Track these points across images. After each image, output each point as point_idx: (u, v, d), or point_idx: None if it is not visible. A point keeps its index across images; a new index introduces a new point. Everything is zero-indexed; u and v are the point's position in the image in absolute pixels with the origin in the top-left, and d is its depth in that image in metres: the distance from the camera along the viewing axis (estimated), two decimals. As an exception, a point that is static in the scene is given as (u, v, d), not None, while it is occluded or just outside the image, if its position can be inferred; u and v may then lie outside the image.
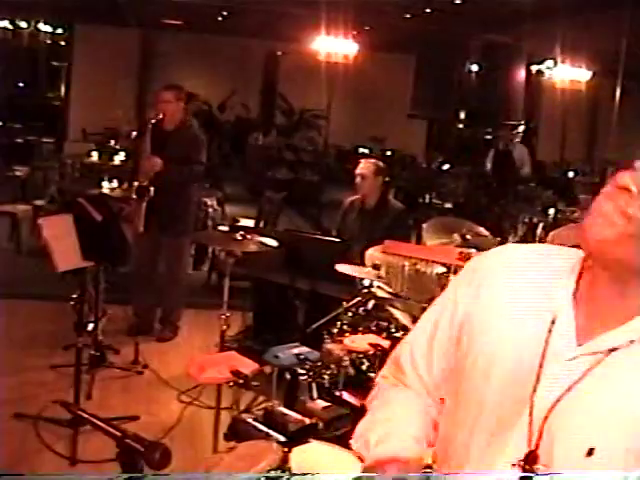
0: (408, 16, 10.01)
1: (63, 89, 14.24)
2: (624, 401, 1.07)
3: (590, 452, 1.06)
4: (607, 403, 1.07)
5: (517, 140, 9.27)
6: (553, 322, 1.13)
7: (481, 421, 1.18)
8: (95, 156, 9.14)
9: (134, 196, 4.86)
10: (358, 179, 4.98)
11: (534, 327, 1.15)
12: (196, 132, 5.45)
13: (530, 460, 1.11)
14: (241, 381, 3.07)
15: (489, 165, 9.09)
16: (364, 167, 4.98)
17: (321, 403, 2.97)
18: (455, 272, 3.56)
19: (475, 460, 1.19)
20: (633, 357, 1.07)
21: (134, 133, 5.87)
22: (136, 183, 4.88)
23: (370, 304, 3.75)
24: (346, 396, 3.11)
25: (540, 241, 3.56)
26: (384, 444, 1.24)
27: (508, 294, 1.20)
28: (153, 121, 4.95)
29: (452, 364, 1.27)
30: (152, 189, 4.83)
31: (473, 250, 3.63)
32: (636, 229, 1.03)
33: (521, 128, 9.68)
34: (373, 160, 5.17)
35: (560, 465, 1.09)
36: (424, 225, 4.61)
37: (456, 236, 4.06)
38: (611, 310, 1.10)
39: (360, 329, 3.57)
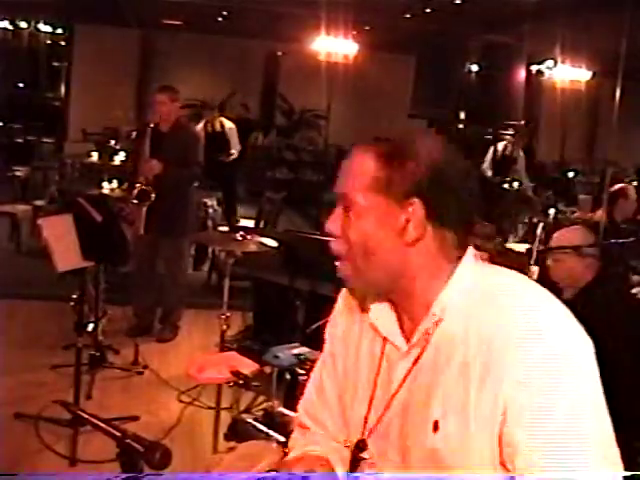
0: (408, 16, 10.00)
1: (63, 89, 14.23)
2: (447, 377, 1.15)
3: (436, 426, 1.15)
4: (435, 383, 1.16)
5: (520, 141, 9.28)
6: (385, 339, 1.26)
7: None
8: (95, 156, 9.14)
9: (135, 201, 4.87)
10: None
11: (374, 344, 1.29)
12: (192, 132, 5.47)
13: (360, 447, 1.27)
14: (241, 381, 3.07)
15: (487, 165, 9.08)
16: None
17: (321, 403, 2.96)
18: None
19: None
20: (446, 331, 1.17)
21: (134, 133, 5.87)
22: (139, 185, 4.88)
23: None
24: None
25: (540, 241, 3.56)
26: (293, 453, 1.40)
27: (353, 322, 1.37)
28: (152, 125, 4.95)
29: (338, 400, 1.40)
30: (153, 195, 4.84)
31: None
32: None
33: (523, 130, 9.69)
34: None
35: (416, 446, 1.18)
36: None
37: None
38: (420, 304, 1.21)
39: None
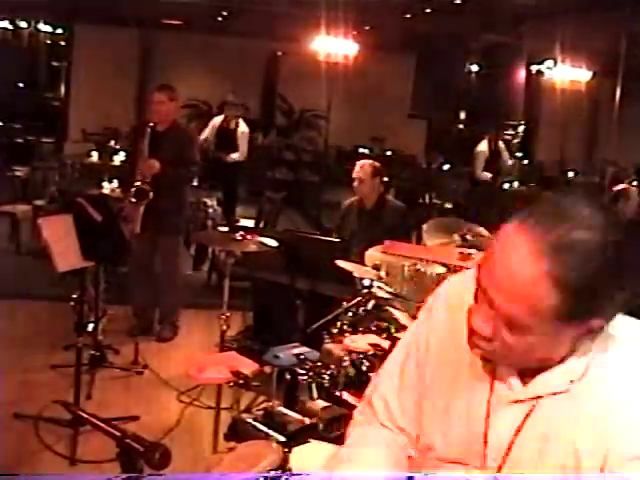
0: (408, 16, 10.00)
1: (63, 89, 14.22)
2: (560, 440, 1.10)
3: None
4: (545, 443, 1.11)
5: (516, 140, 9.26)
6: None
7: (436, 453, 1.23)
8: (95, 156, 9.14)
9: (133, 199, 4.87)
10: (356, 182, 4.98)
11: (480, 366, 1.19)
12: (188, 131, 5.48)
13: None
14: (241, 381, 3.07)
15: (480, 168, 8.97)
16: (360, 170, 4.97)
17: (321, 403, 2.97)
18: (455, 272, 3.56)
19: None
20: (573, 399, 1.11)
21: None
22: (138, 183, 4.88)
23: (370, 304, 3.75)
24: (346, 396, 3.11)
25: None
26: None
27: (454, 329, 1.24)
28: (151, 124, 4.95)
29: (418, 397, 1.30)
30: (151, 194, 4.84)
31: (473, 250, 3.63)
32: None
33: (521, 128, 9.68)
34: (369, 161, 5.15)
35: None
36: (424, 225, 4.61)
37: (456, 236, 4.06)
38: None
39: (360, 329, 3.57)
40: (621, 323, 1.13)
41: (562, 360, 1.11)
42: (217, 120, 8.43)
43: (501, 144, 9.12)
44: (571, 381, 1.10)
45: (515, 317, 1.04)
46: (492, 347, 1.10)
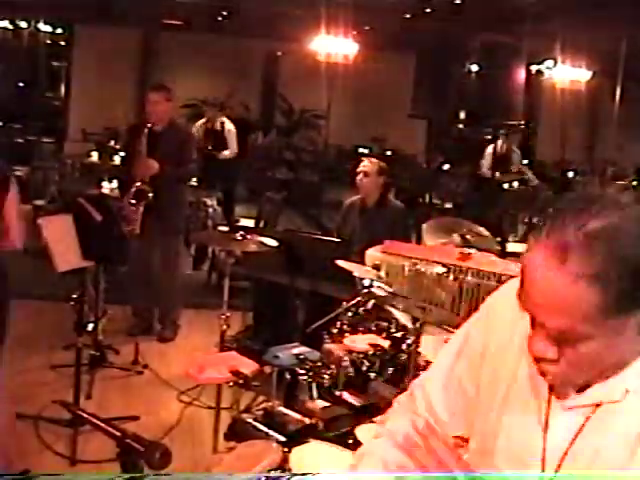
0: (408, 16, 10.00)
1: (63, 89, 14.22)
2: (613, 452, 1.06)
3: None
4: (597, 456, 1.08)
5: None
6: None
7: (494, 457, 1.20)
8: (95, 156, 9.15)
9: (132, 200, 4.87)
10: (360, 177, 4.97)
11: (537, 378, 1.15)
12: (186, 131, 5.48)
13: None
14: (241, 381, 3.07)
15: (486, 166, 9.09)
16: (367, 165, 4.98)
17: (321, 403, 2.97)
18: (455, 272, 3.56)
19: None
20: (628, 407, 1.07)
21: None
22: (138, 183, 4.88)
23: (370, 304, 3.75)
24: (346, 396, 3.11)
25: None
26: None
27: (512, 339, 1.21)
28: (149, 125, 4.95)
29: (468, 397, 1.28)
30: (150, 195, 4.84)
31: (473, 250, 3.63)
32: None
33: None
34: (375, 160, 5.17)
35: None
36: (424, 225, 4.61)
37: (456, 236, 4.06)
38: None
39: (360, 329, 3.57)
40: None
41: (622, 367, 1.07)
42: (200, 122, 8.41)
43: (515, 149, 9.26)
44: (627, 390, 1.06)
45: (568, 331, 1.01)
46: (560, 368, 1.06)
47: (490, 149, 9.18)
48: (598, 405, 1.09)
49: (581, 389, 1.11)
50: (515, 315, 1.18)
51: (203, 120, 8.45)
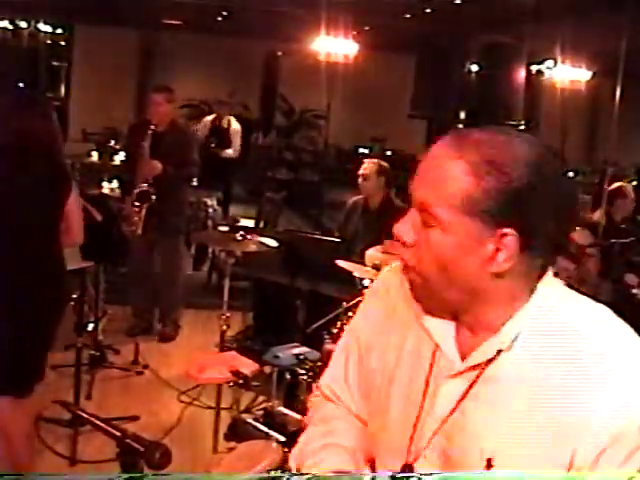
0: (408, 16, 10.00)
1: (63, 89, 14.22)
2: (506, 409, 1.07)
3: (489, 464, 1.07)
4: (492, 414, 1.08)
5: None
6: (437, 344, 1.15)
7: (384, 439, 1.22)
8: (95, 156, 9.14)
9: (136, 202, 4.87)
10: (360, 179, 4.97)
11: (423, 346, 1.17)
12: (187, 131, 5.49)
13: (406, 472, 1.15)
14: (241, 381, 3.07)
15: None
16: (366, 167, 4.98)
17: (321, 403, 2.96)
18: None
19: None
20: (503, 367, 1.08)
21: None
22: (145, 185, 4.88)
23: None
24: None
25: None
26: (323, 463, 1.25)
27: (395, 311, 1.24)
28: (152, 127, 4.95)
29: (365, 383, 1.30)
30: (153, 197, 4.84)
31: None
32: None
33: (521, 128, 9.66)
34: (376, 160, 5.17)
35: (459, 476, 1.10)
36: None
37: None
38: (489, 329, 1.10)
39: (360, 329, 3.57)
40: (564, 298, 1.11)
41: (497, 330, 1.08)
42: (209, 118, 8.59)
43: None
44: (499, 351, 1.07)
45: (427, 203, 1.05)
46: (412, 257, 1.09)
47: None
48: (479, 373, 1.09)
49: (464, 358, 1.11)
50: (395, 294, 1.23)
51: (212, 117, 8.57)
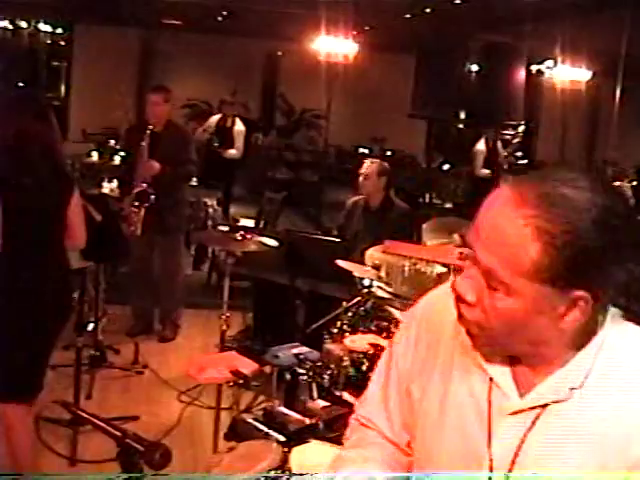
0: (408, 16, 9.99)
1: (63, 89, 14.22)
2: (566, 450, 1.05)
3: None
4: (551, 455, 1.06)
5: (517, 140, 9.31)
6: (491, 378, 1.12)
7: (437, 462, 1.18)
8: (95, 156, 9.13)
9: (136, 202, 4.87)
10: (361, 179, 4.96)
11: (474, 379, 1.14)
12: (184, 130, 5.50)
13: None
14: (241, 381, 3.07)
15: (479, 165, 9.11)
16: (367, 167, 4.98)
17: (321, 403, 2.97)
18: (455, 272, 3.56)
19: None
20: (576, 405, 1.06)
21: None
22: (145, 185, 4.88)
23: (370, 304, 3.75)
24: (346, 396, 3.11)
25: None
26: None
27: (440, 341, 1.20)
28: (151, 127, 4.96)
29: (406, 417, 1.26)
30: (153, 197, 4.84)
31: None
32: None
33: (521, 128, 9.68)
34: (377, 160, 5.17)
35: None
36: (424, 225, 4.61)
37: (456, 236, 4.06)
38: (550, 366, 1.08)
39: (360, 329, 3.57)
40: (625, 333, 1.08)
41: (561, 365, 1.06)
42: (215, 118, 8.63)
43: (498, 143, 9.28)
44: (570, 388, 1.05)
45: (494, 270, 0.99)
46: (474, 314, 1.04)
47: (479, 147, 9.22)
48: (543, 407, 1.07)
49: (521, 394, 1.09)
50: (443, 317, 1.18)
51: (218, 117, 8.61)
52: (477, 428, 1.12)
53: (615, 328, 1.07)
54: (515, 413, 1.08)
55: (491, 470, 1.10)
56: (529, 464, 1.07)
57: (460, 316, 1.08)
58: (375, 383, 1.33)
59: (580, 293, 0.98)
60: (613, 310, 1.08)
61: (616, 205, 0.99)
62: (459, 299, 1.06)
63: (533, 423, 1.07)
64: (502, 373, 1.10)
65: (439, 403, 1.17)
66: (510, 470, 1.08)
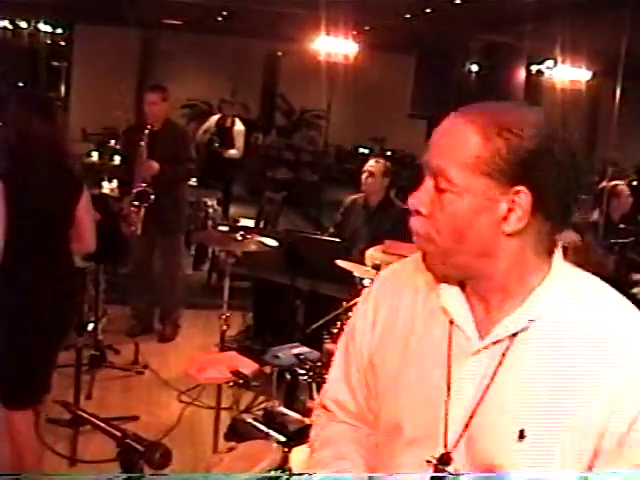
0: (408, 16, 9.99)
1: (63, 89, 14.22)
2: (538, 381, 1.08)
3: (522, 435, 1.06)
4: (523, 387, 1.08)
5: None
6: (451, 322, 1.15)
7: (398, 436, 1.19)
8: (95, 156, 9.14)
9: (135, 202, 4.86)
10: (365, 176, 4.94)
11: (434, 329, 1.17)
12: (182, 129, 5.50)
13: (444, 461, 1.12)
14: (241, 381, 3.07)
15: None
16: (373, 166, 4.97)
17: (321, 403, 2.96)
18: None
19: (393, 466, 1.20)
20: (538, 335, 1.09)
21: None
22: (144, 184, 4.88)
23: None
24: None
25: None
26: None
27: (399, 307, 1.23)
28: (149, 127, 4.96)
29: (371, 387, 1.28)
30: (152, 197, 4.84)
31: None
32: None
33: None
34: (382, 160, 5.17)
35: (495, 454, 1.09)
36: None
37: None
38: (502, 294, 1.12)
39: (360, 329, 3.57)
40: (587, 280, 1.14)
41: (518, 304, 1.10)
42: (215, 118, 8.65)
43: None
44: (530, 320, 1.08)
45: (440, 167, 1.08)
46: (426, 227, 1.11)
47: None
48: (507, 343, 1.09)
49: (482, 336, 1.11)
50: (402, 281, 1.24)
51: (217, 117, 8.64)
52: (438, 373, 1.14)
53: (570, 270, 1.14)
54: (478, 352, 1.11)
55: (446, 417, 1.12)
56: (499, 400, 1.09)
57: (416, 236, 1.14)
58: (336, 365, 1.35)
59: (520, 188, 1.05)
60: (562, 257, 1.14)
61: (559, 127, 1.12)
62: (414, 214, 1.13)
63: (500, 360, 1.10)
64: (464, 316, 1.14)
65: (399, 358, 1.20)
66: (477, 407, 1.10)
